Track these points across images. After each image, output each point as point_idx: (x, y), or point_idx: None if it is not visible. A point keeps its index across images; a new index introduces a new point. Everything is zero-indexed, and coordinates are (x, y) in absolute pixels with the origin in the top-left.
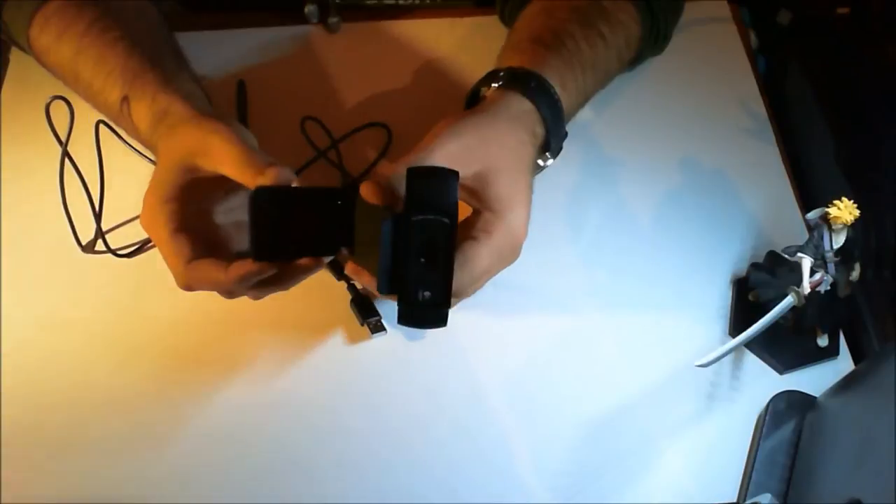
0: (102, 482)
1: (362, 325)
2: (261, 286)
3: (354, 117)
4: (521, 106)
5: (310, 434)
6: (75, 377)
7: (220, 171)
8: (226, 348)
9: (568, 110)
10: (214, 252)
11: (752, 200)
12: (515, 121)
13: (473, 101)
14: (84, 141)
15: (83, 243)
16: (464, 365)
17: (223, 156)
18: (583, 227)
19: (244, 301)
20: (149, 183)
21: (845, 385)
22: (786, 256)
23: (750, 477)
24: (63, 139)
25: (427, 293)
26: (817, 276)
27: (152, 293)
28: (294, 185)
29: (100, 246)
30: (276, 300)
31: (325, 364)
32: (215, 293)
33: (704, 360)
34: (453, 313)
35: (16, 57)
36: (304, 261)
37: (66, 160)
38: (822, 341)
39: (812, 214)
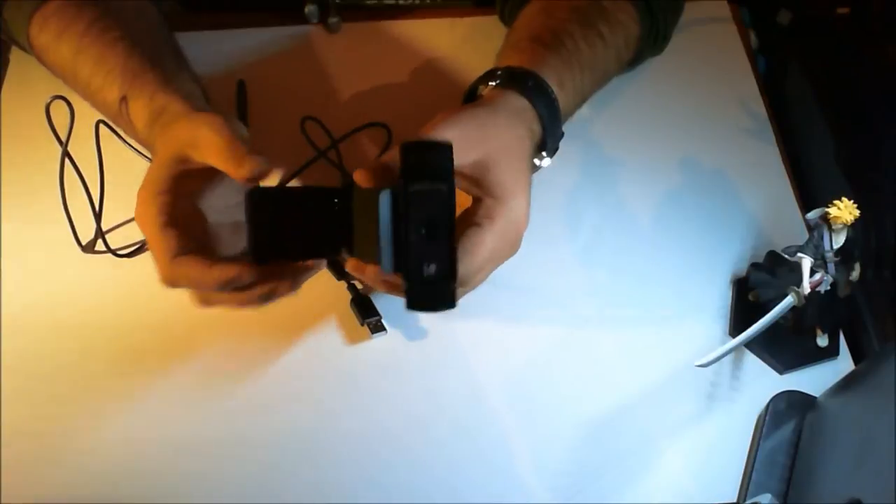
0: (102, 482)
1: (362, 325)
2: (243, 294)
3: (354, 117)
4: (518, 103)
5: (309, 434)
6: (75, 377)
7: (207, 162)
8: (226, 348)
9: (565, 110)
10: (204, 252)
11: (752, 200)
12: (513, 116)
13: (471, 99)
14: (84, 141)
15: (83, 243)
16: (464, 365)
17: (209, 146)
18: (582, 227)
19: None
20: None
21: (845, 385)
22: (786, 256)
23: (750, 477)
24: (63, 139)
25: (432, 266)
26: (817, 276)
27: (152, 293)
28: (293, 183)
29: (100, 246)
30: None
31: (325, 364)
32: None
33: (704, 360)
34: (453, 313)
35: (16, 57)
36: (298, 265)
37: (66, 160)
38: (822, 341)
39: (812, 214)
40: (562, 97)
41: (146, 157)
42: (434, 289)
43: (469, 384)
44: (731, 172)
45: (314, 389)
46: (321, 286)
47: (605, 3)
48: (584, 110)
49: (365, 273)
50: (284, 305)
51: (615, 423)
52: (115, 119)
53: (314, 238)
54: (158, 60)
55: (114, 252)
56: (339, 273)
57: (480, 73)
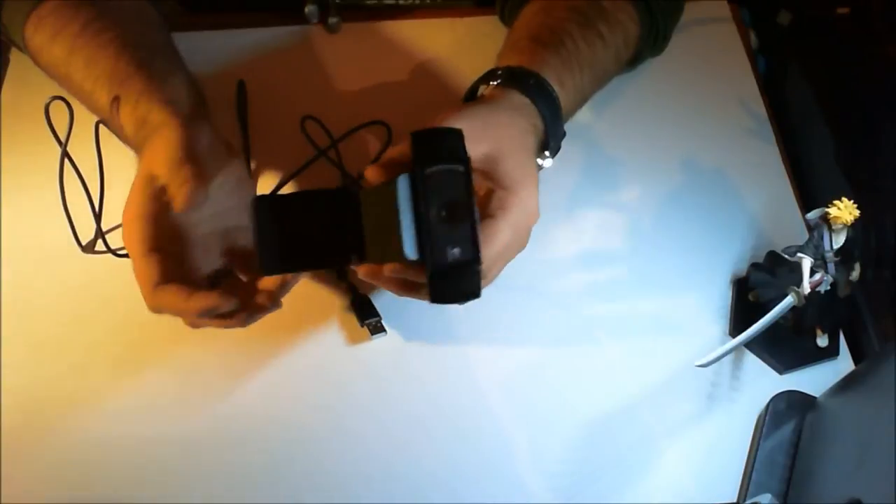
0: (102, 482)
1: (362, 326)
2: (223, 318)
3: (354, 117)
4: (519, 100)
5: (309, 435)
6: (75, 377)
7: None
8: (226, 349)
9: (566, 109)
10: (190, 273)
11: (752, 200)
12: (516, 112)
13: (472, 99)
14: (84, 141)
15: (83, 243)
16: (463, 365)
17: (161, 158)
18: (583, 227)
19: None
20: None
21: (845, 385)
22: (786, 256)
23: (750, 477)
24: (63, 139)
25: (456, 250)
26: (817, 276)
27: None
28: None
29: (100, 246)
30: None
31: (325, 365)
32: None
33: (704, 360)
34: (453, 313)
35: (16, 57)
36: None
37: (66, 160)
38: (822, 341)
39: (812, 214)
40: (563, 96)
41: None
42: (459, 275)
43: (469, 385)
44: (731, 172)
45: (314, 390)
46: (321, 287)
47: (604, 3)
48: (585, 111)
49: (381, 275)
50: (284, 306)
51: (615, 424)
52: (108, 122)
53: (323, 247)
54: (147, 63)
55: (114, 252)
56: (340, 273)
57: (480, 73)
